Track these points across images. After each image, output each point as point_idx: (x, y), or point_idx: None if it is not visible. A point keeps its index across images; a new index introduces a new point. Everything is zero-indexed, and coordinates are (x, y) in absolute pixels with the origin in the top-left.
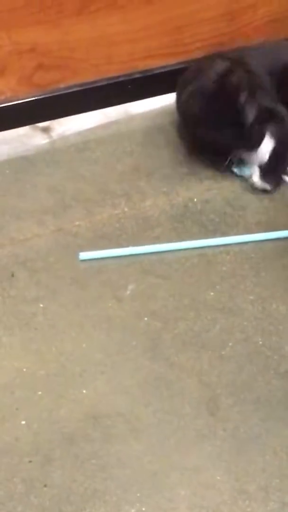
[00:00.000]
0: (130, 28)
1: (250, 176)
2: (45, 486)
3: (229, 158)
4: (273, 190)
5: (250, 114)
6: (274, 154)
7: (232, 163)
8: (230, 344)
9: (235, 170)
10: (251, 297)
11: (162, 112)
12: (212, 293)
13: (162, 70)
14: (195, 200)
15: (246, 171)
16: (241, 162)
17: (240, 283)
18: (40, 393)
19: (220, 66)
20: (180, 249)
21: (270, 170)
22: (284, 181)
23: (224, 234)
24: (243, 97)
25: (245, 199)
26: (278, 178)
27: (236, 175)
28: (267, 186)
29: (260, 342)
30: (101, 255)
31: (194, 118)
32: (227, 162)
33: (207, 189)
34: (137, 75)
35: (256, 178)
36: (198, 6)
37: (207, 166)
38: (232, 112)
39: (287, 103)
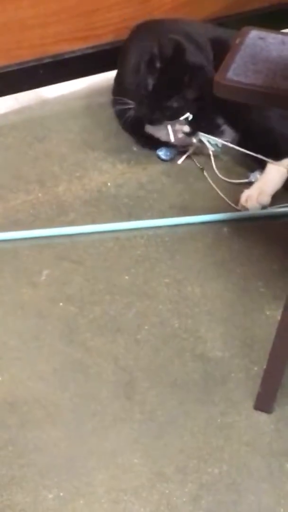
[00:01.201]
0: (41, 12)
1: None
2: None
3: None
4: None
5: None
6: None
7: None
8: (146, 327)
9: (160, 153)
10: (166, 280)
11: (75, 96)
12: (127, 277)
13: (73, 55)
14: (109, 184)
15: (170, 155)
16: (165, 146)
17: (155, 266)
18: None
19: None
20: (93, 231)
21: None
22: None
23: (138, 218)
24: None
25: (158, 183)
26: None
27: (161, 159)
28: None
29: (176, 325)
30: (12, 237)
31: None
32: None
33: (121, 173)
34: (49, 60)
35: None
36: None
37: (121, 150)
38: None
39: None
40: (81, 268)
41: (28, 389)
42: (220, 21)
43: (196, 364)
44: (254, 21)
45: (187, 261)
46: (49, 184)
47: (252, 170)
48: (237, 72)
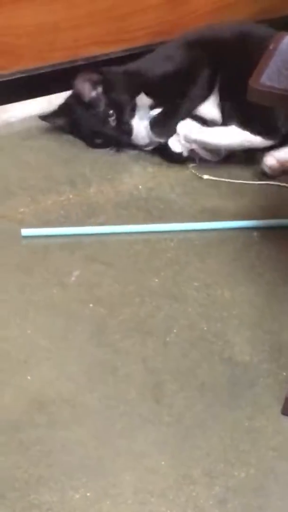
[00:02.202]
0: (75, 14)
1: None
2: None
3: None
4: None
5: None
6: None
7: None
8: (175, 330)
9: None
10: (196, 284)
11: None
12: (156, 280)
13: (106, 58)
14: (140, 187)
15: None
16: None
17: (185, 269)
18: None
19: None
20: (124, 232)
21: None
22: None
23: (168, 221)
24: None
25: (190, 187)
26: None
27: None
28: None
29: (205, 328)
30: (43, 233)
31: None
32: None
33: (152, 176)
34: (81, 62)
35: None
36: None
37: (152, 154)
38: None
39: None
40: (111, 270)
41: (57, 389)
42: None
43: (224, 368)
44: None
45: (216, 265)
46: (80, 185)
47: None
48: (271, 77)
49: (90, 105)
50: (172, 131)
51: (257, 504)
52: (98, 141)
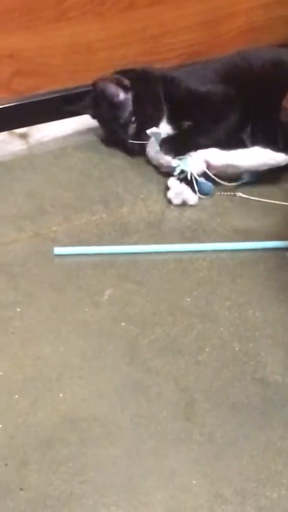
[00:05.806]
0: (108, 35)
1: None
2: (21, 489)
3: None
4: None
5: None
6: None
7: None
8: (207, 349)
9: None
10: (228, 303)
11: None
12: (188, 299)
13: None
14: (173, 207)
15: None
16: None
17: (217, 289)
18: (16, 397)
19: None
20: (157, 251)
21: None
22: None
23: (201, 241)
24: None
25: (222, 207)
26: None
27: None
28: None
29: (237, 348)
30: (75, 251)
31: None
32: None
33: None
34: None
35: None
36: (176, 14)
37: None
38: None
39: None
40: (143, 289)
41: (89, 407)
42: None
43: (256, 388)
44: None
45: (249, 285)
46: (113, 205)
47: None
48: None
49: (116, 106)
50: (183, 151)
51: None
52: (112, 137)
